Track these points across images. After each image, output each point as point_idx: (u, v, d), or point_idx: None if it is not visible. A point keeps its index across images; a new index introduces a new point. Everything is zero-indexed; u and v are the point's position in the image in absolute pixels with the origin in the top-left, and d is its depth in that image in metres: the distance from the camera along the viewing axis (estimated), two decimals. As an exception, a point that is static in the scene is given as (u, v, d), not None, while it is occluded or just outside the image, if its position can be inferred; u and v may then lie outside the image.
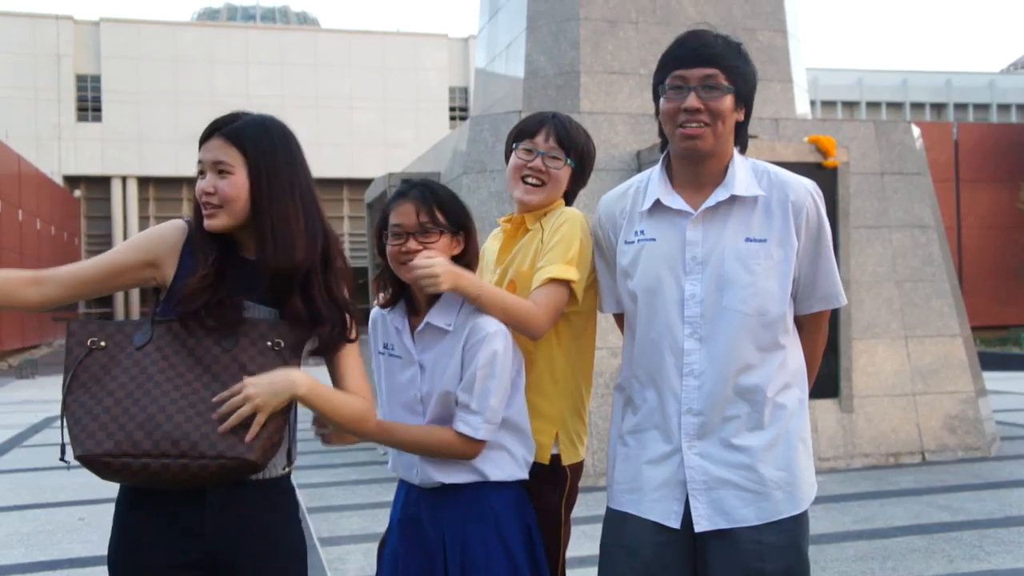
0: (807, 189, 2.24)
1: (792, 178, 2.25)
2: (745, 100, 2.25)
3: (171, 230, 2.17)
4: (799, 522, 2.19)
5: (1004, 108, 47.39)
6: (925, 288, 8.16)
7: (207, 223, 2.11)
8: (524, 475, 2.44)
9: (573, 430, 2.57)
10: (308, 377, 2.06)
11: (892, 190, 8.23)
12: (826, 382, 7.66)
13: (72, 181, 40.55)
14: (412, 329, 2.43)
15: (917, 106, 46.32)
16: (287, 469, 2.17)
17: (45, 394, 16.51)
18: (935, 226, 8.39)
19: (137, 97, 40.15)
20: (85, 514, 6.52)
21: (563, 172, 2.63)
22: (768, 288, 2.17)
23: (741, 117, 2.25)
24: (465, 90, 42.24)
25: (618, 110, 8.36)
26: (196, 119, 40.08)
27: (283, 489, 2.16)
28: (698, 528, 2.16)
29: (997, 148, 28.77)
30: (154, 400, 1.97)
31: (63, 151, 39.77)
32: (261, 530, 2.09)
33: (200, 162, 2.13)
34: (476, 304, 2.36)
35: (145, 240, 2.15)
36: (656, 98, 2.28)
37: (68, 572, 5.20)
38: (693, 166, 2.24)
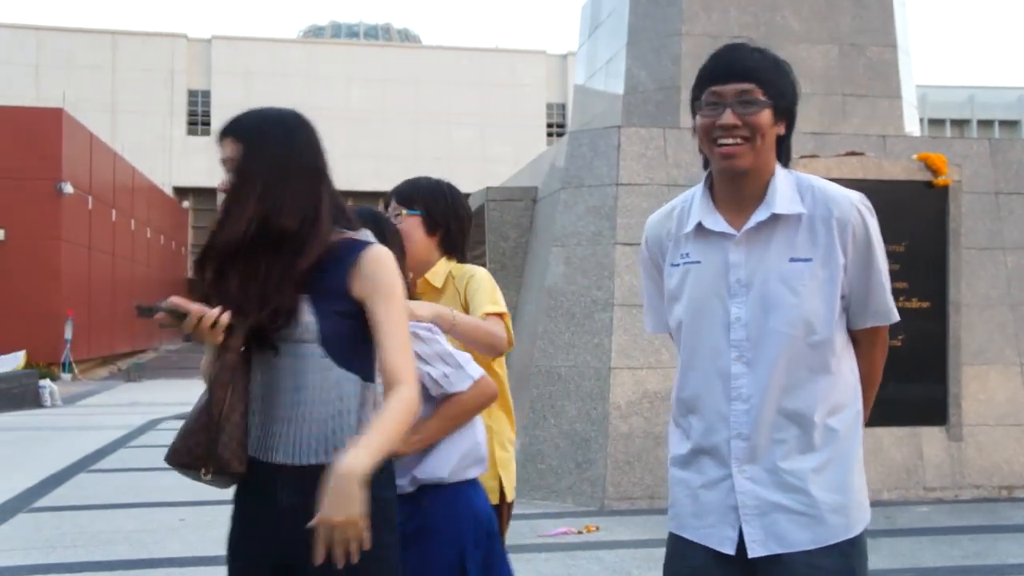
0: (852, 203, 2.15)
1: (837, 192, 2.17)
2: (786, 113, 2.18)
3: None
4: (855, 546, 2.14)
5: None
6: (1042, 313, 7.80)
7: None
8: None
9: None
10: (355, 451, 1.93)
11: (1007, 210, 7.90)
12: (933, 409, 7.37)
13: (181, 192, 42.02)
14: None
15: (1032, 124, 44.60)
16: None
17: (150, 396, 17.10)
18: (1054, 248, 8.02)
19: (244, 111, 41.42)
20: (185, 515, 6.69)
21: (410, 223, 3.01)
22: (814, 308, 2.11)
23: (782, 131, 2.18)
24: (563, 106, 42.37)
25: (719, 126, 8.23)
26: (300, 133, 41.13)
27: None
28: (751, 554, 2.11)
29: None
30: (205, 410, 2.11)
31: (174, 163, 41.26)
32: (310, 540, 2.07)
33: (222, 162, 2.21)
34: (452, 331, 2.72)
35: None
36: (693, 115, 2.25)
37: (168, 571, 5.35)
38: (734, 184, 2.18)
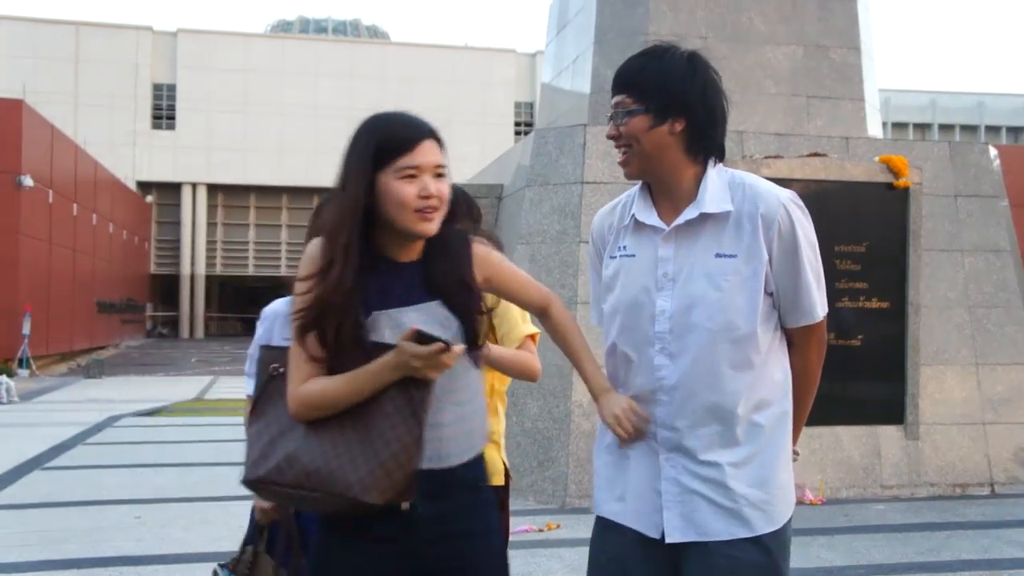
0: (779, 200, 2.17)
1: (765, 189, 2.20)
2: (679, 110, 2.17)
3: None
4: (777, 539, 2.17)
5: (1085, 133, 46.09)
6: (998, 314, 7.90)
7: (427, 228, 2.10)
8: None
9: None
10: (603, 386, 2.28)
11: (966, 213, 8.00)
12: (891, 408, 7.45)
13: (145, 187, 41.53)
14: None
15: (993, 129, 45.26)
16: (482, 480, 2.20)
17: (110, 393, 16.87)
18: (1011, 251, 8.12)
19: (209, 106, 41.02)
20: (141, 513, 6.60)
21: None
22: (736, 304, 2.15)
23: (680, 127, 2.18)
24: (531, 105, 42.40)
25: (684, 125, 8.26)
26: (265, 128, 40.83)
27: (485, 500, 2.18)
28: (669, 538, 2.16)
29: (1077, 174, 27.91)
30: (300, 434, 2.02)
31: (137, 157, 40.76)
32: (462, 541, 2.11)
33: (416, 167, 2.11)
34: (488, 363, 2.69)
35: None
36: None
37: (120, 570, 5.26)
38: (659, 184, 2.25)
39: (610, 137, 2.26)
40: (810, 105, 8.84)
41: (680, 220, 2.20)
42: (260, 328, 2.81)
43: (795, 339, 2.26)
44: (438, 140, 2.15)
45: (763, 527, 2.15)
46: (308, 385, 2.02)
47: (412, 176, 2.08)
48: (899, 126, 43.34)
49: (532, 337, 3.14)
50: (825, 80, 8.91)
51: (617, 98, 2.23)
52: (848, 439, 7.35)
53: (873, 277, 7.24)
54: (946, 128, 45.01)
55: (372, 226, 2.08)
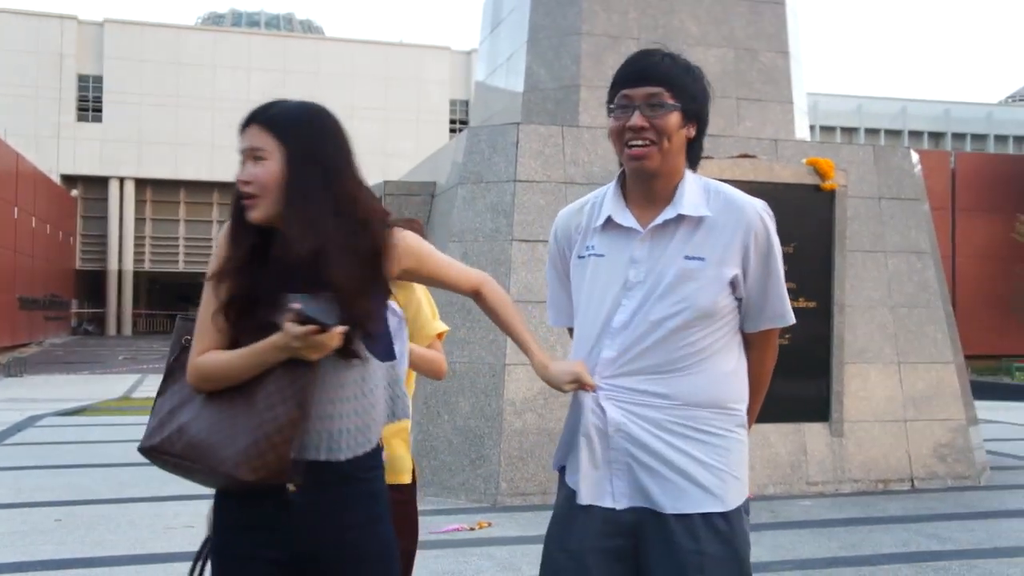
0: (756, 210, 2.26)
1: (742, 199, 2.28)
2: (695, 117, 2.27)
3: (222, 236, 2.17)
4: (728, 520, 2.24)
5: (1002, 139, 47.55)
6: (920, 314, 8.12)
7: (248, 215, 2.06)
8: None
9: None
10: (538, 354, 2.28)
11: (889, 215, 8.20)
12: (817, 405, 7.61)
13: (70, 180, 40.48)
14: None
15: (915, 134, 46.44)
16: (372, 472, 2.17)
17: (31, 393, 16.42)
18: (931, 252, 8.35)
19: (138, 99, 40.14)
20: (61, 515, 6.43)
21: None
22: (698, 305, 2.22)
23: (692, 134, 2.28)
24: (466, 103, 42.31)
25: (617, 125, 8.32)
26: (196, 122, 40.11)
27: (370, 492, 2.16)
28: (618, 505, 2.24)
29: (994, 178, 28.79)
30: (197, 405, 2.06)
31: (62, 150, 39.72)
32: (342, 531, 2.10)
33: (240, 152, 2.09)
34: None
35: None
36: (609, 117, 2.34)
37: (40, 574, 5.11)
38: (643, 184, 2.29)
39: (634, 128, 2.22)
40: (740, 107, 8.98)
41: (658, 220, 2.26)
42: None
43: (754, 342, 2.35)
44: (266, 123, 2.08)
45: (714, 507, 2.22)
46: (205, 356, 2.06)
47: (243, 164, 2.09)
48: (827, 130, 44.26)
49: (440, 335, 3.29)
50: (754, 82, 9.05)
51: (652, 89, 2.22)
52: (776, 436, 7.48)
53: (801, 277, 7.37)
54: (872, 132, 46.06)
55: None
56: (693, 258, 2.22)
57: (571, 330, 2.48)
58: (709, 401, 2.24)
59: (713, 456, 2.23)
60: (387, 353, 2.19)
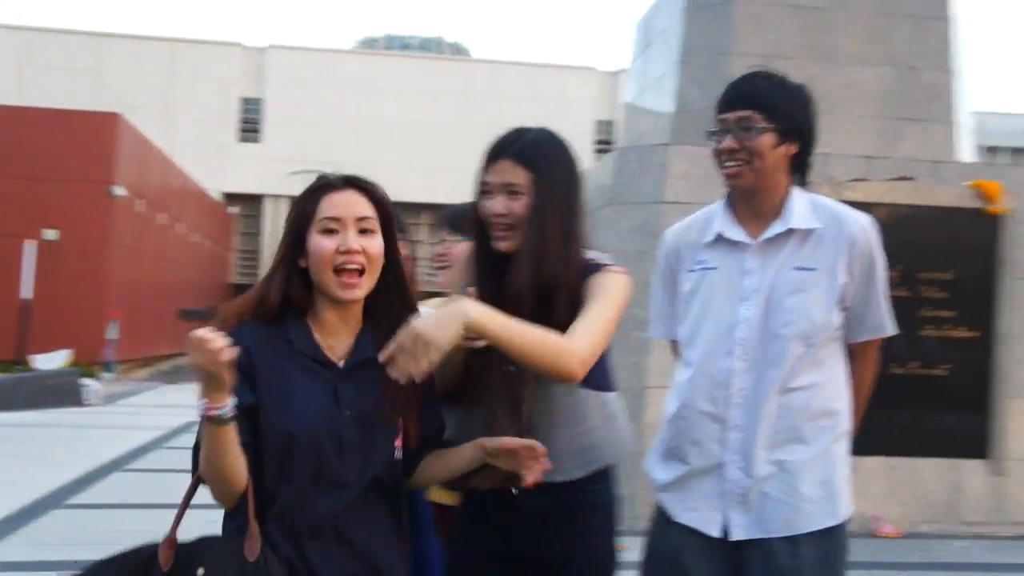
0: (862, 225, 2.37)
1: (848, 213, 2.39)
2: (795, 135, 2.36)
3: None
4: (834, 536, 2.31)
5: None
6: (1094, 348, 7.56)
7: (498, 244, 2.17)
8: None
9: None
10: (480, 305, 1.97)
11: (1061, 241, 7.68)
12: (974, 442, 7.18)
13: (231, 198, 42.50)
14: None
15: (1091, 156, 43.67)
16: (585, 481, 2.29)
17: (188, 399, 17.25)
18: (1108, 282, 7.78)
19: (296, 120, 41.86)
20: (215, 518, 6.68)
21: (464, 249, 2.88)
22: (812, 315, 2.30)
23: (794, 150, 2.37)
24: (610, 124, 42.33)
25: (766, 146, 8.13)
26: (349, 143, 41.51)
27: (591, 504, 2.29)
28: (733, 536, 2.30)
29: None
30: None
31: (224, 170, 41.75)
32: (564, 540, 2.24)
33: (485, 182, 2.20)
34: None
35: None
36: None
37: (194, 573, 5.33)
38: (747, 201, 2.39)
39: (726, 150, 2.35)
40: (899, 127, 8.63)
41: (769, 234, 2.36)
42: None
43: (856, 354, 2.43)
44: (518, 158, 2.16)
45: (823, 522, 2.29)
46: None
47: (487, 193, 2.18)
48: (994, 150, 42.09)
49: None
50: (915, 102, 8.69)
51: (743, 113, 2.34)
52: (929, 472, 7.10)
53: (961, 305, 7.00)
54: (1042, 154, 43.61)
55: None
56: (804, 268, 2.32)
57: (674, 342, 2.56)
58: (817, 412, 2.31)
59: (818, 470, 2.30)
60: (605, 383, 2.30)
